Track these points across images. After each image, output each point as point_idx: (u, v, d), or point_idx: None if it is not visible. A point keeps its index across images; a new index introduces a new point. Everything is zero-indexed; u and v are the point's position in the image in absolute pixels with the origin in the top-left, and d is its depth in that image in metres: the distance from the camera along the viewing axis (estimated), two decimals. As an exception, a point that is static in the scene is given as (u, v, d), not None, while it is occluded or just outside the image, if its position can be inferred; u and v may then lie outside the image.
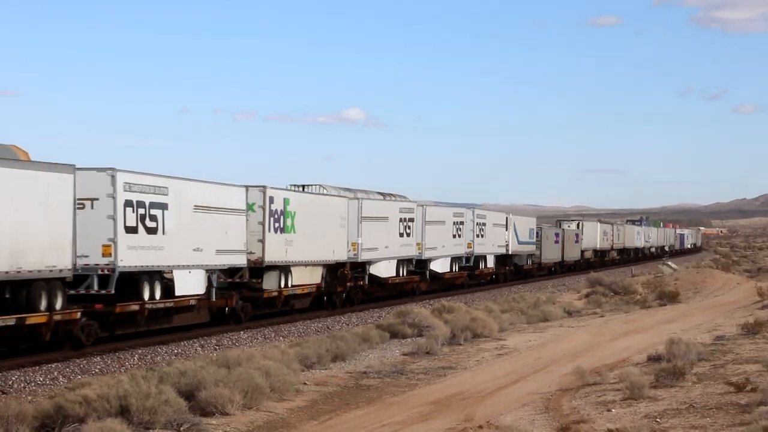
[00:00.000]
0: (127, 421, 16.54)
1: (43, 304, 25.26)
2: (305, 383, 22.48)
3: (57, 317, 25.65)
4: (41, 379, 23.29)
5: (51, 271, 25.36)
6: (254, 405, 19.09)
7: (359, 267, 44.76)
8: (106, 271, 28.03)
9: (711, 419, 16.56)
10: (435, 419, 18.31)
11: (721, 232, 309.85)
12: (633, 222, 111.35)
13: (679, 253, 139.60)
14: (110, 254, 27.93)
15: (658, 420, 16.84)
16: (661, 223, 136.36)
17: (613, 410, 18.05)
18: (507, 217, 67.40)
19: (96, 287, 27.98)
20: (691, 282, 57.82)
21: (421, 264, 52.19)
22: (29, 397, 20.41)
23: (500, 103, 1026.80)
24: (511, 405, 19.45)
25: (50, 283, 25.51)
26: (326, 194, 43.61)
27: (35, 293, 25.03)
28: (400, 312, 34.99)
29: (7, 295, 24.58)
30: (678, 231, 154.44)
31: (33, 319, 24.83)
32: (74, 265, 26.39)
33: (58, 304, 25.81)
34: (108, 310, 28.15)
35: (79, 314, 26.65)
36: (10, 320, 23.91)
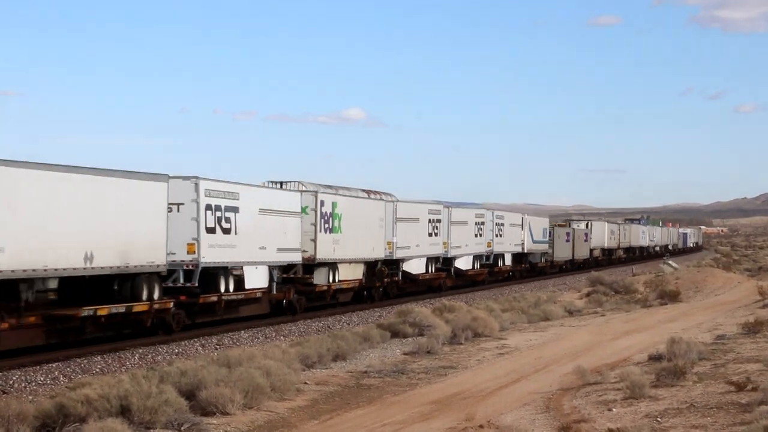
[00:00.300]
0: (128, 420, 16.54)
1: (145, 295, 29.56)
2: (306, 383, 22.48)
3: (156, 306, 29.96)
4: (42, 378, 23.30)
5: (150, 266, 29.54)
6: (255, 404, 19.09)
7: (394, 264, 48.30)
8: (190, 267, 31.93)
9: (712, 418, 16.57)
10: (436, 419, 18.31)
11: (722, 231, 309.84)
12: (632, 221, 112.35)
13: (682, 251, 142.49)
14: (194, 252, 31.91)
15: (658, 419, 16.84)
16: (660, 222, 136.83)
17: (614, 410, 18.05)
18: (523, 218, 70.67)
19: (182, 281, 31.93)
20: (692, 281, 57.79)
21: (447, 261, 55.76)
22: (30, 397, 20.43)
23: (501, 102, 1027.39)
24: (511, 404, 19.45)
25: (150, 276, 29.82)
26: (367, 198, 47.84)
27: (138, 285, 29.39)
28: (401, 311, 34.99)
29: (116, 287, 28.89)
30: (681, 230, 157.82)
31: (138, 307, 29.18)
32: (167, 261, 30.46)
33: (156, 295, 30.16)
34: (193, 300, 32.27)
35: (171, 304, 30.92)
36: (121, 308, 28.48)
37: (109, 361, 26.13)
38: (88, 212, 27.10)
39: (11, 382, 22.61)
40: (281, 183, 41.68)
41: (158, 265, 29.96)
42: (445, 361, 26.65)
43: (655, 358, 23.39)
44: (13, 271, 24.35)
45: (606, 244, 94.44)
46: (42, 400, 18.50)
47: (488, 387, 21.94)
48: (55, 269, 25.89)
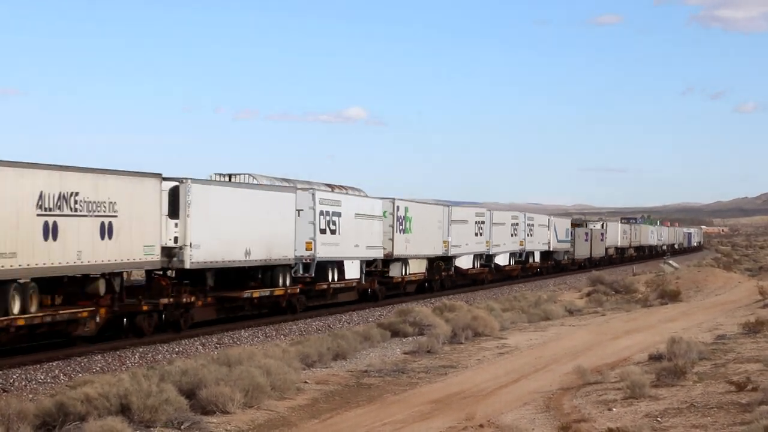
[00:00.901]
0: (128, 419, 16.55)
1: (281, 282, 37.66)
2: (306, 382, 22.49)
3: (289, 291, 38.37)
4: (42, 377, 23.30)
5: (284, 259, 37.67)
6: (255, 403, 19.09)
7: (448, 260, 56.30)
8: (308, 260, 39.70)
9: (712, 418, 16.57)
10: (436, 418, 18.32)
11: (723, 231, 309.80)
12: (628, 220, 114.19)
13: (686, 250, 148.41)
14: (311, 249, 39.77)
15: (659, 419, 16.85)
16: (658, 222, 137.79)
17: (614, 409, 18.06)
18: (549, 219, 79.35)
19: (301, 272, 39.46)
20: (693, 281, 57.78)
21: (488, 258, 64.32)
22: (30, 396, 20.44)
23: (501, 101, 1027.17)
24: (511, 404, 19.45)
25: (284, 267, 37.89)
26: (430, 204, 56.35)
27: (276, 275, 37.49)
28: (401, 311, 35.01)
29: (260, 276, 36.95)
30: (685, 230, 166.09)
31: (277, 291, 37.72)
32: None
33: (287, 283, 38.19)
34: (310, 288, 40.38)
35: (298, 290, 39.09)
36: (266, 292, 37.01)
37: (110, 360, 26.14)
38: (248, 218, 34.99)
39: (12, 381, 22.62)
40: (230, 175, 39.17)
41: (289, 259, 37.97)
42: (446, 361, 26.65)
43: (656, 358, 23.40)
44: (204, 262, 32.52)
45: (619, 243, 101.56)
46: (42, 398, 18.52)
47: (488, 386, 21.95)
48: (229, 261, 34.19)
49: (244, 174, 40.60)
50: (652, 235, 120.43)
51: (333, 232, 41.48)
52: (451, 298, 44.32)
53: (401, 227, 48.75)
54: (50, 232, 25.82)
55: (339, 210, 42.01)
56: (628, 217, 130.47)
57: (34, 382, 22.71)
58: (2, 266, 24.13)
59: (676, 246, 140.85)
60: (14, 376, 23.06)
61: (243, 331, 33.40)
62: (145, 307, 30.30)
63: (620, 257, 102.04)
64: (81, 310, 27.29)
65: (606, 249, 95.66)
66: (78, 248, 26.83)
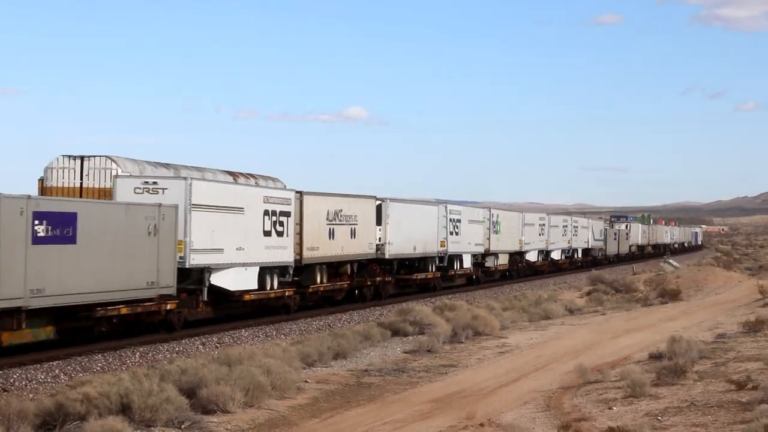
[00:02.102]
0: (129, 419, 16.55)
1: (431, 269, 53.09)
2: (306, 381, 22.49)
3: (436, 275, 54.09)
4: (42, 376, 23.30)
5: (432, 253, 52.59)
6: (255, 403, 19.09)
7: (521, 255, 72.07)
8: (442, 254, 54.14)
9: (712, 417, 16.57)
10: (436, 417, 18.32)
11: (723, 230, 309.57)
12: (618, 218, 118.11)
13: (694, 248, 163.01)
14: (444, 245, 54.27)
15: (659, 418, 16.85)
16: (652, 220, 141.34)
17: (615, 408, 18.06)
18: (588, 221, 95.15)
19: (437, 262, 53.86)
20: (693, 280, 57.77)
21: (547, 254, 78.31)
22: (30, 395, 20.43)
23: (501, 101, 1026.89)
24: (512, 403, 19.45)
25: (432, 259, 53.01)
26: (512, 211, 73.95)
27: (428, 264, 52.78)
28: (401, 310, 35.01)
29: (416, 264, 51.56)
30: (692, 229, 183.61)
31: (429, 275, 53.15)
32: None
33: (433, 270, 53.47)
34: (444, 273, 55.54)
35: (439, 275, 54.51)
36: (422, 275, 51.99)
37: (110, 360, 26.13)
38: (415, 225, 50.10)
39: (12, 381, 22.61)
40: (82, 158, 33.76)
41: (434, 253, 52.90)
42: (446, 360, 26.66)
43: (656, 357, 23.38)
44: (394, 254, 47.69)
45: (640, 242, 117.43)
46: (42, 398, 18.51)
47: (489, 385, 21.94)
48: (406, 254, 49.47)
49: (102, 156, 33.76)
50: (666, 235, 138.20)
51: (457, 233, 56.60)
52: (397, 306, 42.13)
53: (494, 229, 64.69)
54: (331, 234, 41.52)
55: (459, 218, 57.40)
56: (618, 215, 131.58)
57: (34, 382, 22.70)
58: (314, 255, 39.98)
59: (685, 244, 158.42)
60: (14, 376, 23.05)
61: (243, 330, 33.38)
62: (368, 283, 46.11)
63: (641, 253, 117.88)
64: (342, 283, 43.67)
65: (629, 246, 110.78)
66: (341, 245, 42.38)
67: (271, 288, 36.74)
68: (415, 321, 32.91)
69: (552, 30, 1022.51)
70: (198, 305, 33.07)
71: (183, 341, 30.03)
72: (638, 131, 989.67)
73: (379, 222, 46.24)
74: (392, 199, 48.02)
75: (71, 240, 26.10)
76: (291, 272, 38.11)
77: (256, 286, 35.39)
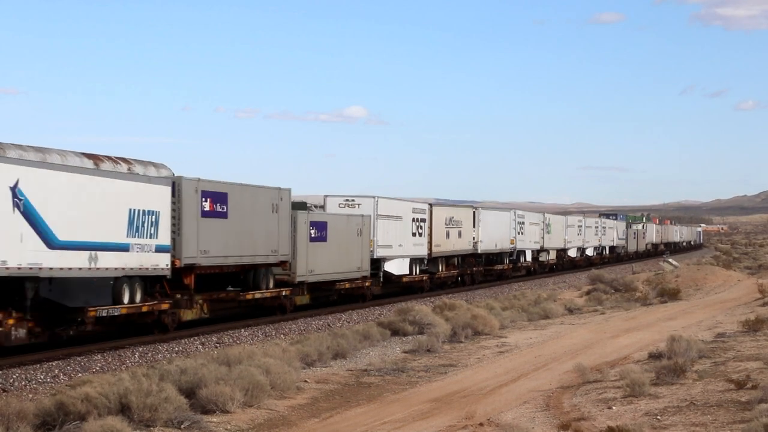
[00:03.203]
0: (128, 418, 16.55)
1: (506, 262, 67.47)
2: (306, 381, 22.49)
3: (509, 267, 67.66)
4: (42, 377, 23.29)
5: (505, 249, 66.19)
6: (255, 403, 19.10)
7: (564, 251, 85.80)
8: (512, 250, 67.95)
9: (712, 416, 16.57)
10: (436, 417, 18.32)
11: (722, 229, 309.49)
12: (608, 216, 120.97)
13: (698, 246, 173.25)
14: (513, 243, 67.89)
15: (658, 417, 16.85)
16: (644, 218, 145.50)
17: (614, 408, 18.06)
18: (615, 223, 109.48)
19: (509, 257, 68.31)
20: (692, 279, 57.83)
21: (582, 251, 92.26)
22: (30, 395, 20.42)
23: (501, 100, 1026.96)
24: (511, 402, 19.46)
25: (506, 254, 67.37)
26: (558, 215, 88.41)
27: (503, 258, 66.87)
28: (401, 309, 35.01)
29: (491, 257, 64.96)
30: (697, 229, 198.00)
31: (505, 267, 67.26)
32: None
33: (507, 263, 67.14)
34: (513, 265, 69.41)
35: (511, 266, 68.16)
36: (500, 266, 66.22)
37: (109, 360, 26.13)
38: (497, 226, 64.07)
39: (11, 381, 22.60)
40: None
41: (507, 249, 66.43)
42: (445, 360, 26.66)
43: (655, 356, 23.38)
44: (485, 250, 62.05)
45: (654, 240, 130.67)
46: (42, 398, 18.49)
47: (488, 385, 21.95)
48: (490, 250, 62.77)
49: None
50: (676, 234, 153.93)
51: (522, 233, 70.05)
52: (396, 306, 44.48)
53: (547, 230, 77.57)
54: (447, 235, 55.85)
55: (523, 221, 70.63)
56: (608, 213, 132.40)
57: (33, 382, 22.69)
58: (438, 250, 53.31)
59: (692, 242, 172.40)
60: (14, 376, 23.04)
61: (242, 330, 33.38)
62: (468, 271, 60.13)
63: (655, 250, 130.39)
64: (454, 271, 58.53)
65: (646, 244, 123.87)
66: (453, 243, 56.55)
67: (416, 273, 51.13)
68: (414, 321, 32.92)
69: (552, 29, 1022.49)
70: (378, 284, 47.29)
71: (182, 341, 30.03)
72: (638, 130, 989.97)
73: (474, 225, 60.54)
74: (483, 207, 65.29)
75: (323, 238, 40.70)
76: (425, 263, 52.94)
77: (408, 272, 49.87)
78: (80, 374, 23.19)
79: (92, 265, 26.63)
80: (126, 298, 28.44)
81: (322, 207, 46.14)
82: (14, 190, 23.87)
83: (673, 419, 16.64)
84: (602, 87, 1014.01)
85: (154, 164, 30.67)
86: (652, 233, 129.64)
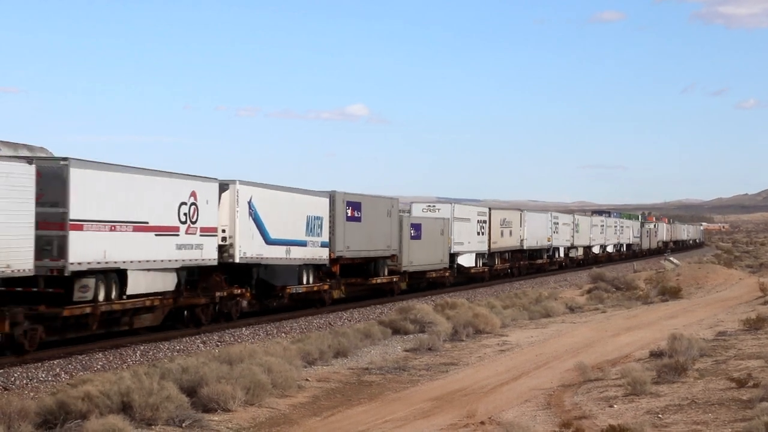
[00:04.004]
0: (129, 417, 16.55)
1: (545, 257, 77.26)
2: (307, 379, 22.50)
3: (547, 261, 77.44)
4: (43, 375, 23.29)
5: (544, 245, 75.62)
6: (256, 401, 19.10)
7: (589, 248, 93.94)
8: (548, 247, 76.64)
9: (713, 415, 16.58)
10: (437, 415, 18.32)
11: (723, 227, 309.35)
12: (600, 213, 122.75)
13: (703, 244, 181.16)
14: (550, 240, 76.35)
15: (660, 416, 16.85)
16: (639, 216, 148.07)
17: (615, 406, 18.06)
18: (631, 222, 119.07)
19: (546, 253, 77.68)
20: (693, 278, 57.83)
21: (604, 248, 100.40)
22: (32, 394, 20.43)
23: (502, 99, 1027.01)
24: (512, 401, 19.46)
25: (544, 250, 76.38)
26: (587, 216, 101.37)
27: (542, 253, 76.61)
28: (402, 308, 35.02)
29: (533, 253, 73.90)
30: (701, 227, 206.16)
31: (543, 261, 77.30)
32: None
33: (545, 257, 77.24)
34: (550, 261, 78.67)
35: (548, 261, 78.01)
36: (540, 260, 76.46)
37: (111, 358, 26.13)
38: (537, 225, 72.99)
39: (13, 379, 22.62)
40: None
41: (545, 246, 74.75)
42: (446, 358, 26.66)
43: (656, 355, 23.40)
44: (529, 247, 71.71)
45: (665, 238, 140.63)
46: (43, 396, 18.50)
47: (489, 384, 21.95)
48: (534, 246, 72.42)
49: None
50: (683, 231, 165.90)
51: (556, 232, 79.00)
52: (397, 304, 45.56)
53: (576, 229, 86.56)
54: (502, 234, 64.59)
55: (557, 221, 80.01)
56: (600, 211, 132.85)
57: (35, 381, 22.70)
58: (495, 246, 63.61)
59: (697, 240, 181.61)
60: (15, 375, 23.05)
61: (244, 329, 33.40)
62: (516, 265, 69.89)
63: (665, 247, 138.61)
64: (507, 264, 68.13)
65: (657, 242, 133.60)
66: (506, 240, 65.88)
67: (479, 266, 61.74)
68: (415, 319, 32.92)
69: (552, 28, 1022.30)
70: (453, 276, 57.26)
71: (183, 339, 30.05)
72: (638, 129, 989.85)
73: (520, 225, 69.92)
74: (528, 210, 74.87)
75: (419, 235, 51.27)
76: (486, 257, 62.80)
77: (473, 264, 60.32)
78: (81, 373, 23.19)
79: (287, 256, 37.10)
80: (305, 281, 39.22)
81: (408, 212, 54.77)
82: (250, 204, 34.13)
83: (675, 418, 16.64)
84: (603, 86, 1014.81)
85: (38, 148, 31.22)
86: (663, 232, 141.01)
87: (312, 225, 38.89)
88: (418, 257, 50.62)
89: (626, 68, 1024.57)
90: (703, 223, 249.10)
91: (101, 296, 26.64)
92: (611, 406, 18.06)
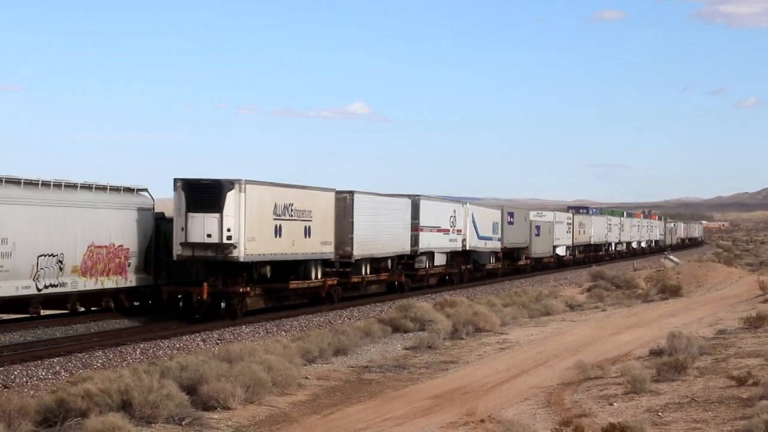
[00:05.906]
0: (129, 415, 16.56)
1: (602, 250, 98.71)
2: (307, 377, 22.50)
3: (605, 253, 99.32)
4: (43, 373, 23.30)
5: (602, 241, 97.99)
6: (256, 399, 19.11)
7: (610, 244, 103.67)
8: (604, 242, 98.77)
9: (713, 413, 16.58)
10: (437, 413, 18.32)
11: (723, 226, 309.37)
12: (577, 210, 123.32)
13: (703, 242, 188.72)
14: (606, 237, 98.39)
15: (659, 414, 16.85)
16: (624, 213, 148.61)
17: (615, 404, 18.07)
18: (657, 222, 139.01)
19: (614, 248, 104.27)
20: (693, 276, 57.82)
21: (629, 245, 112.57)
22: (31, 392, 20.44)
23: (503, 98, 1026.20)
24: (512, 399, 19.46)
25: (602, 245, 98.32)
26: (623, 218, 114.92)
27: (600, 248, 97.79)
28: (402, 306, 35.01)
29: (594, 247, 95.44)
30: (701, 226, 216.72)
31: (602, 253, 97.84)
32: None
33: (603, 251, 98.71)
34: (606, 252, 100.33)
35: (606, 252, 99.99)
36: (600, 252, 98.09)
37: (111, 356, 26.14)
38: (596, 227, 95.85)
39: (13, 377, 22.62)
40: None
41: (603, 241, 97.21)
42: (446, 356, 26.66)
43: (656, 353, 23.40)
44: (595, 242, 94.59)
45: (681, 235, 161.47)
46: (43, 394, 18.51)
47: (489, 382, 21.95)
48: (596, 242, 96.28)
49: None
50: (695, 230, 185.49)
51: (610, 231, 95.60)
52: (397, 302, 45.65)
53: (621, 228, 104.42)
54: (579, 233, 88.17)
55: (611, 222, 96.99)
56: (577, 207, 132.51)
57: (35, 378, 22.71)
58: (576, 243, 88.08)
59: (702, 238, 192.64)
60: (15, 372, 23.06)
61: (244, 327, 33.39)
62: (590, 254, 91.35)
63: (682, 243, 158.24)
64: (583, 255, 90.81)
65: (676, 239, 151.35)
66: (581, 237, 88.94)
67: (567, 255, 78.86)
68: (415, 317, 32.92)
69: (552, 27, 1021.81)
70: (554, 261, 75.68)
71: (183, 337, 30.05)
72: (639, 128, 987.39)
73: (590, 226, 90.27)
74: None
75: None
76: (571, 249, 79.21)
77: (564, 254, 79.09)
78: (81, 371, 23.17)
79: (485, 246, 61.20)
80: (491, 261, 63.60)
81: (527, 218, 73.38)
82: (473, 217, 58.79)
83: (674, 416, 16.64)
84: (603, 85, 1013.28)
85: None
86: (680, 230, 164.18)
87: (494, 227, 62.88)
88: (539, 248, 73.89)
89: (626, 67, 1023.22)
90: (703, 222, 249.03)
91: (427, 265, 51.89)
92: (611, 405, 18.06)
